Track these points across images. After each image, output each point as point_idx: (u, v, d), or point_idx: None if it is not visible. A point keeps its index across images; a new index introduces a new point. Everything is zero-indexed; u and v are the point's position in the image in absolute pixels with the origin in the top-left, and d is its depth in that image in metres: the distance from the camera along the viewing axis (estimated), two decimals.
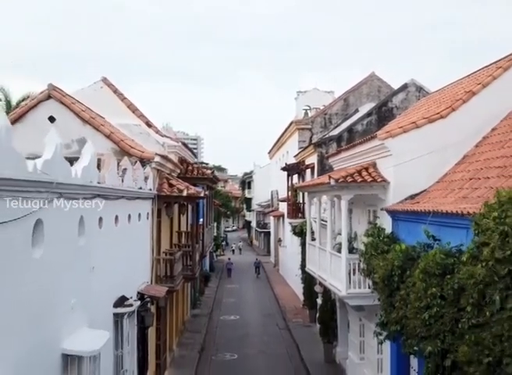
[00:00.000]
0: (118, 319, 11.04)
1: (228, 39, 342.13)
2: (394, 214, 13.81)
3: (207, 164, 71.45)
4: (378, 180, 14.77)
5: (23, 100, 40.15)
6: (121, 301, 11.45)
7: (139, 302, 12.55)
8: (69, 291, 8.17)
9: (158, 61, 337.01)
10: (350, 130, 28.46)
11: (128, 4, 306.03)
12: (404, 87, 28.56)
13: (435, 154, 14.13)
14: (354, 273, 14.97)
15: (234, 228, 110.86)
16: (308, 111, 44.14)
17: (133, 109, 22.15)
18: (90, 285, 9.25)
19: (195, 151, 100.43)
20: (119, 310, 11.08)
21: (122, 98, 22.24)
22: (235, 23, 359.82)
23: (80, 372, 8.08)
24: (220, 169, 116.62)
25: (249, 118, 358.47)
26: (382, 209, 14.56)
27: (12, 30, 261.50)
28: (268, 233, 63.62)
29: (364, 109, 31.63)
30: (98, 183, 9.64)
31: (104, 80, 22.19)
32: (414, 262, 10.05)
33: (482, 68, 16.44)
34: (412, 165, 14.11)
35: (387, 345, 14.53)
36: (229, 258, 53.30)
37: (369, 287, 13.74)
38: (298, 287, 32.72)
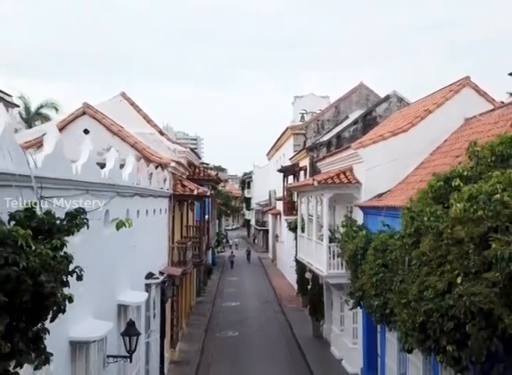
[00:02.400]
0: (148, 288, 14.46)
1: (228, 39, 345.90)
2: (364, 209, 17.28)
3: (207, 164, 74.84)
4: (353, 181, 18.24)
5: (41, 107, 43.72)
6: (149, 275, 14.89)
7: (162, 277, 15.99)
8: (123, 259, 11.61)
9: (158, 61, 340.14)
10: (338, 136, 31.77)
11: (128, 4, 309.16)
12: (387, 97, 31.93)
13: (399, 161, 17.55)
14: (334, 258, 18.43)
15: (234, 227, 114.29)
16: (305, 115, 47.53)
17: (148, 120, 25.61)
18: (133, 259, 12.69)
19: (195, 151, 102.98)
20: (149, 281, 14.52)
21: (138, 110, 25.69)
22: (235, 22, 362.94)
23: (127, 316, 11.51)
24: (220, 169, 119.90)
25: (249, 118, 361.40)
26: (355, 206, 18.04)
27: (12, 30, 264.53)
28: (267, 231, 67.06)
29: (354, 116, 34.95)
30: (137, 184, 13.08)
31: (123, 95, 25.61)
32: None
33: (441, 88, 19.89)
34: (380, 169, 17.57)
35: (360, 316, 18.02)
36: (232, 252, 58.66)
37: (345, 268, 17.19)
38: (293, 279, 36.10)
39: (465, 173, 8.82)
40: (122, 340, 10.91)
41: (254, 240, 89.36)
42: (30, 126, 39.74)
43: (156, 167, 17.77)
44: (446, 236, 7.80)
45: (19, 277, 4.71)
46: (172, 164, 19.81)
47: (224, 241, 77.56)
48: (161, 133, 25.57)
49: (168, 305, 19.18)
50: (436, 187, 9.05)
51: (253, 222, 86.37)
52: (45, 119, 41.40)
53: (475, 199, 7.01)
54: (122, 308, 11.38)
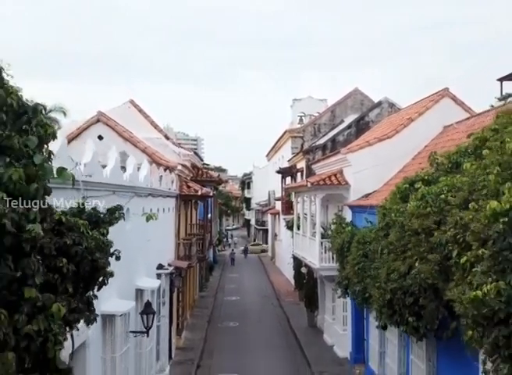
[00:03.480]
0: (159, 277, 16.34)
1: (228, 39, 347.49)
2: (352, 207, 19.17)
3: (208, 165, 76.78)
4: (343, 183, 20.13)
5: (50, 111, 45.49)
6: (160, 266, 16.78)
7: (170, 269, 17.88)
8: (139, 251, 13.49)
9: (158, 61, 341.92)
10: (333, 140, 33.63)
11: (128, 4, 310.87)
12: (379, 103, 33.79)
13: (383, 165, 19.43)
14: (325, 252, 20.33)
15: (234, 227, 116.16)
16: (303, 117, 49.41)
17: (155, 125, 27.57)
18: (147, 251, 14.57)
19: (197, 153, 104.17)
20: (160, 271, 16.42)
21: (146, 116, 27.64)
22: (235, 22, 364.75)
23: (143, 299, 13.40)
24: (221, 170, 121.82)
25: (249, 118, 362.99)
26: (344, 205, 19.93)
27: (12, 30, 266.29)
28: (266, 230, 68.97)
29: (349, 120, 36.78)
30: (150, 186, 14.97)
31: (132, 102, 27.55)
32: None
33: (423, 98, 21.78)
34: (366, 172, 19.45)
35: (349, 305, 19.90)
36: (233, 250, 61.41)
37: (334, 261, 19.07)
38: (291, 275, 37.90)
39: (426, 178, 10.71)
40: (139, 319, 12.80)
41: (254, 240, 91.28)
42: None
43: (165, 170, 19.65)
44: (407, 228, 9.69)
45: (83, 254, 6.57)
46: (179, 167, 21.70)
47: (225, 240, 79.52)
48: (167, 138, 27.47)
49: (174, 296, 21.06)
50: (402, 188, 10.95)
51: (253, 222, 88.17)
52: (54, 122, 43.35)
53: (425, 198, 8.90)
54: (139, 292, 13.27)
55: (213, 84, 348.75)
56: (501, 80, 19.46)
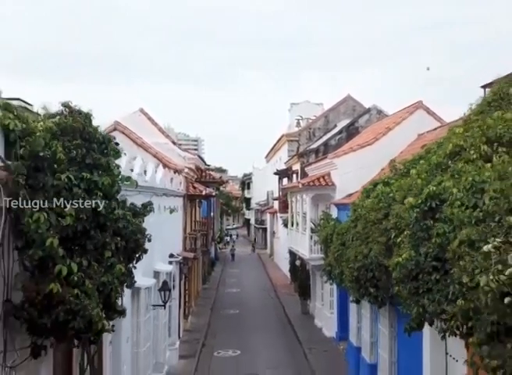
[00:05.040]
0: (170, 264, 19.22)
1: (228, 39, 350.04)
2: (337, 205, 22.06)
3: (209, 166, 79.70)
4: (330, 184, 23.03)
5: None
6: (171, 255, 19.68)
7: (179, 258, 20.77)
8: (156, 240, 16.35)
9: (158, 61, 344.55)
10: (325, 144, 36.47)
11: (128, 4, 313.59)
12: (368, 110, 36.67)
13: (365, 168, 22.26)
14: (315, 244, 23.22)
15: (235, 226, 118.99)
16: (300, 121, 52.26)
17: (162, 132, 30.51)
18: (161, 241, 17.43)
19: (196, 152, 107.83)
20: (171, 259, 19.31)
21: (154, 124, 30.59)
22: (235, 22, 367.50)
23: (159, 280, 16.27)
24: (221, 170, 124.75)
25: (249, 118, 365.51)
26: (331, 203, 22.83)
27: (12, 30, 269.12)
28: (265, 229, 71.88)
29: (341, 124, 39.60)
30: (164, 186, 17.86)
31: (141, 110, 30.49)
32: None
33: (400, 110, 24.67)
34: (350, 175, 22.32)
35: (335, 291, 22.78)
36: (233, 246, 64.80)
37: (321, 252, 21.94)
38: (287, 270, 40.81)
39: (386, 180, 13.59)
40: (157, 297, 15.67)
41: (254, 239, 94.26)
42: None
43: (174, 172, 22.54)
44: (368, 220, 12.58)
45: (131, 234, 9.43)
46: (186, 170, 24.59)
47: (225, 238, 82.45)
48: (174, 143, 30.40)
49: (182, 284, 23.94)
50: (367, 189, 13.84)
51: (252, 221, 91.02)
52: None
53: (379, 196, 11.80)
54: (157, 274, 16.15)
55: (213, 84, 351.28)
56: (484, 87, 21.87)
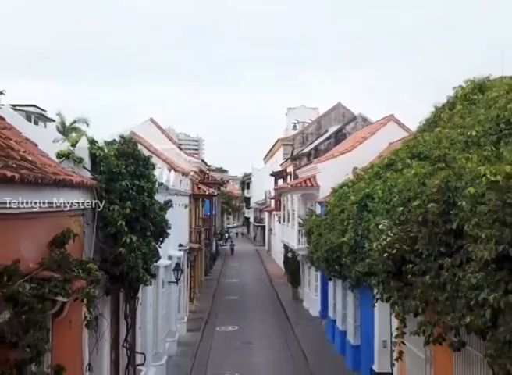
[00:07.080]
0: (180, 251, 23.22)
1: (229, 39, 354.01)
2: (319, 203, 26.08)
3: (209, 166, 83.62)
4: (315, 185, 27.06)
5: (74, 122, 52.50)
6: (180, 245, 23.69)
7: (187, 247, 24.78)
8: (171, 231, 20.41)
9: (158, 61, 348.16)
10: (316, 148, 40.46)
11: (128, 4, 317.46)
12: (354, 118, 40.68)
13: (344, 172, 26.24)
14: (302, 237, 27.25)
15: (235, 225, 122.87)
16: (297, 124, 56.26)
17: (170, 138, 34.56)
18: (173, 232, 21.40)
19: (196, 152, 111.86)
20: (181, 248, 23.31)
21: (162, 131, 34.65)
22: (235, 22, 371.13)
23: (173, 262, 20.25)
24: (222, 170, 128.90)
25: (249, 118, 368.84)
26: (315, 201, 26.87)
27: (12, 30, 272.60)
28: (264, 226, 75.89)
29: (332, 130, 43.50)
30: (176, 187, 21.88)
31: (151, 120, 34.54)
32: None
33: (375, 121, 28.68)
34: (332, 177, 26.26)
35: (319, 276, 26.79)
36: (232, 241, 70.53)
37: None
38: (282, 263, 44.88)
39: (349, 184, 17.62)
40: (170, 276, 19.66)
41: (254, 237, 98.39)
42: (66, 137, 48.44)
43: (182, 175, 26.55)
44: (333, 213, 16.60)
45: (158, 222, 13.40)
46: (192, 173, 28.60)
47: (226, 236, 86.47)
48: (180, 148, 34.47)
49: (188, 272, 27.94)
50: (335, 189, 17.86)
51: (252, 219, 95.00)
52: (78, 132, 50.18)
53: (340, 196, 15.84)
54: (170, 258, 20.15)
55: (213, 84, 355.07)
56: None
